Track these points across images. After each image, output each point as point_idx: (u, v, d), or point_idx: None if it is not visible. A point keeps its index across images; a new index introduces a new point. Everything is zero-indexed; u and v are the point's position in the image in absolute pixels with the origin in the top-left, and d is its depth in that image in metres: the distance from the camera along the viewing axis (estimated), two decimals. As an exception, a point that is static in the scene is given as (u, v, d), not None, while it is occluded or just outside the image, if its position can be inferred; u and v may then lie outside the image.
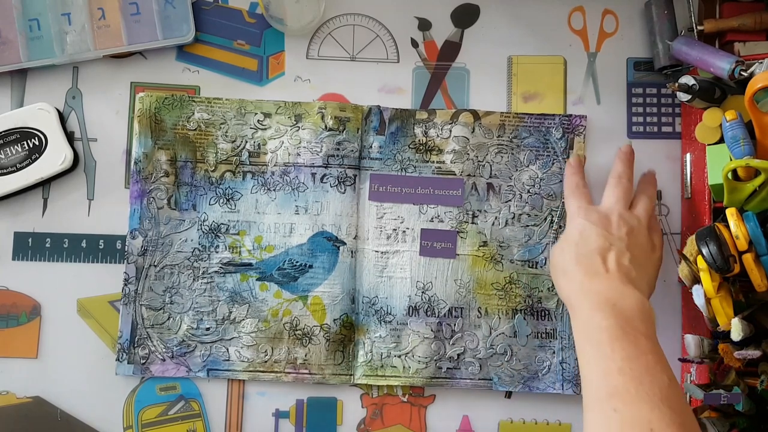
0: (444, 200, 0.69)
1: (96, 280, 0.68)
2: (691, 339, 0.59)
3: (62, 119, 0.69)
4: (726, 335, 0.57)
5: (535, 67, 0.72)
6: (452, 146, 0.69)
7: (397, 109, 0.70)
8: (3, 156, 0.67)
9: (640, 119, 0.71)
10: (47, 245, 0.69)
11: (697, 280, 0.59)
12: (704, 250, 0.56)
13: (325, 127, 0.69)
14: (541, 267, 0.68)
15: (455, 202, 0.69)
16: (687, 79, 0.62)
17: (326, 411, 0.68)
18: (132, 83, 0.71)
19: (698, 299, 0.58)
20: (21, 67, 0.69)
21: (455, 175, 0.69)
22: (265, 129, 0.69)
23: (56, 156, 0.67)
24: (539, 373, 0.68)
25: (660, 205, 0.70)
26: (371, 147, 0.69)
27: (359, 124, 0.69)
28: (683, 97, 0.63)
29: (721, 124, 0.59)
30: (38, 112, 0.68)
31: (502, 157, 0.69)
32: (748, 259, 0.55)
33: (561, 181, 0.69)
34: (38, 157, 0.67)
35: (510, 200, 0.69)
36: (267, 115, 0.69)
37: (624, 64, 0.72)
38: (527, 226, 0.69)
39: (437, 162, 0.69)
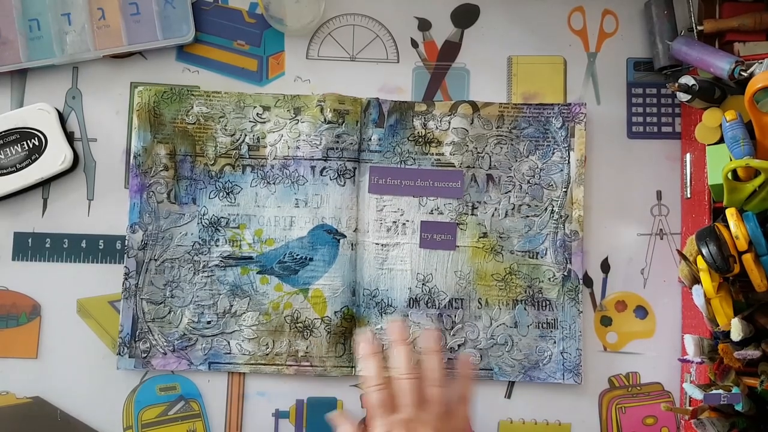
0: (443, 192, 0.69)
1: (96, 280, 0.68)
2: (691, 339, 0.59)
3: (62, 119, 0.69)
4: (726, 335, 0.57)
5: (535, 67, 0.72)
6: (451, 138, 0.69)
7: (396, 101, 0.70)
8: (3, 156, 0.67)
9: (640, 119, 0.71)
10: (47, 245, 0.69)
11: (697, 280, 0.59)
12: (704, 250, 0.56)
13: (324, 119, 0.69)
14: (542, 257, 0.69)
15: (455, 194, 0.69)
16: (687, 79, 0.62)
17: (326, 411, 0.68)
18: (132, 83, 0.71)
19: (698, 299, 0.58)
20: (21, 67, 0.69)
21: (454, 166, 0.69)
22: (264, 122, 0.69)
23: (56, 156, 0.67)
24: (540, 362, 0.68)
25: (660, 205, 0.70)
26: (370, 139, 0.69)
27: (358, 116, 0.69)
28: (683, 97, 0.63)
29: (721, 124, 0.59)
30: (38, 112, 0.68)
31: (501, 148, 0.69)
32: (748, 259, 0.55)
33: (561, 170, 0.69)
34: (38, 157, 0.67)
35: (510, 191, 0.69)
36: (266, 109, 0.69)
37: (624, 64, 0.72)
38: (527, 216, 0.69)
39: (436, 154, 0.69)
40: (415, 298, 0.68)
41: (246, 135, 0.69)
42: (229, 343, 0.67)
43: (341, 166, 0.69)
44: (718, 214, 0.61)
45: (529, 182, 0.69)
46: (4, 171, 0.67)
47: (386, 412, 0.57)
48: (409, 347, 0.60)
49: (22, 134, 0.68)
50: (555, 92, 0.71)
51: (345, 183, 0.69)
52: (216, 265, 0.68)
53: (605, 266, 0.70)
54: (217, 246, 0.68)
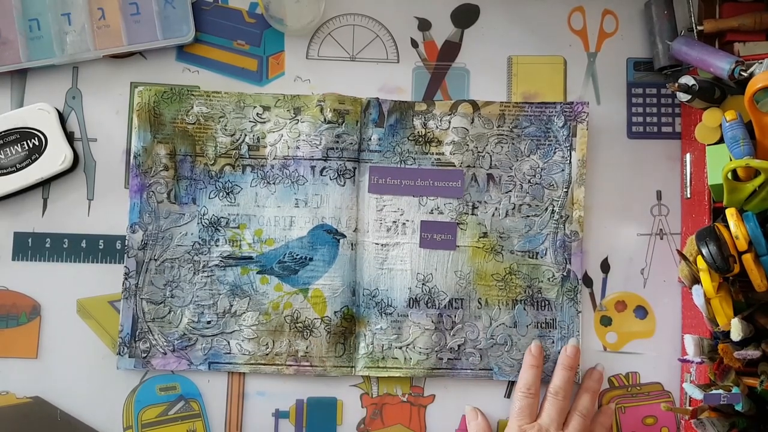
0: (444, 192, 0.69)
1: (96, 280, 0.68)
2: (691, 339, 0.59)
3: (62, 119, 0.69)
4: (726, 335, 0.57)
5: (535, 67, 0.72)
6: (451, 137, 0.69)
7: (396, 101, 0.70)
8: (3, 156, 0.67)
9: (640, 119, 0.71)
10: (47, 245, 0.69)
11: (697, 280, 0.59)
12: (704, 250, 0.56)
13: (324, 119, 0.69)
14: (542, 257, 0.69)
15: (455, 194, 0.69)
16: (687, 79, 0.62)
17: (326, 411, 0.68)
18: (132, 83, 0.71)
19: (698, 299, 0.58)
20: (21, 67, 0.69)
21: (455, 166, 0.69)
22: (264, 122, 0.69)
23: (56, 156, 0.68)
24: None
25: (660, 205, 0.70)
26: (370, 139, 0.69)
27: (358, 116, 0.69)
28: (683, 97, 0.63)
29: (721, 124, 0.59)
30: (38, 112, 0.68)
31: (502, 147, 0.69)
32: (748, 259, 0.55)
33: (563, 170, 0.69)
34: (38, 157, 0.67)
35: (510, 191, 0.69)
36: (266, 109, 0.69)
37: (624, 64, 0.72)
38: (528, 216, 0.69)
39: (437, 153, 0.69)
40: (415, 298, 0.68)
41: (246, 135, 0.69)
42: (229, 343, 0.67)
43: (341, 166, 0.69)
44: (718, 214, 0.61)
45: (529, 182, 0.69)
46: (4, 171, 0.67)
47: (524, 419, 0.64)
48: (572, 374, 0.66)
49: (22, 134, 0.68)
50: (555, 92, 0.71)
51: (345, 183, 0.69)
52: (216, 265, 0.68)
53: (605, 266, 0.70)
54: (217, 246, 0.68)
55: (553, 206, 0.69)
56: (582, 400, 0.66)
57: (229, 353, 0.67)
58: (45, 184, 0.69)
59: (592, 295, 0.70)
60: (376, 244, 0.69)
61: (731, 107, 0.60)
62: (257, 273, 0.68)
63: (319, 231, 0.68)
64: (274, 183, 0.69)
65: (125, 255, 0.68)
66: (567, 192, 0.69)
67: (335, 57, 0.72)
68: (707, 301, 0.57)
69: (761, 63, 0.60)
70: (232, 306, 0.68)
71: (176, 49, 0.71)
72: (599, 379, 0.68)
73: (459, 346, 0.68)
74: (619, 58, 0.72)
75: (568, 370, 0.66)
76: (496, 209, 0.69)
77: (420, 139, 0.69)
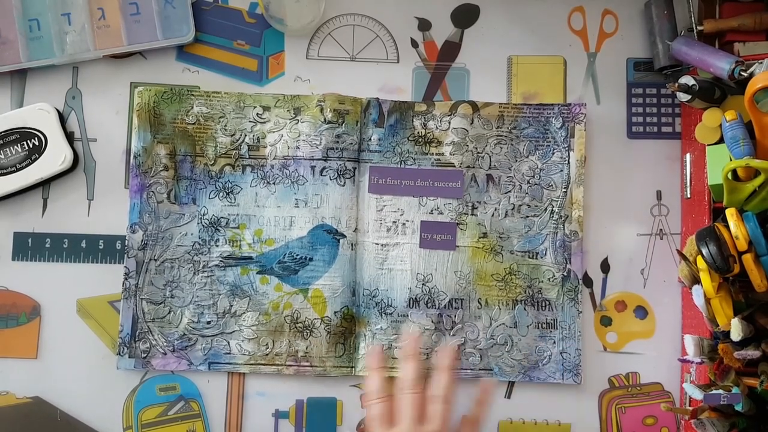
0: (443, 192, 0.69)
1: (96, 281, 0.68)
2: (691, 339, 0.59)
3: (62, 119, 0.69)
4: (726, 335, 0.57)
5: (535, 67, 0.72)
6: (451, 138, 0.69)
7: (396, 101, 0.70)
8: (3, 156, 0.67)
9: (640, 119, 0.71)
10: (47, 245, 0.69)
11: (697, 280, 0.59)
12: (704, 251, 0.56)
13: (324, 119, 0.69)
14: (542, 258, 0.69)
15: (455, 194, 0.69)
16: (687, 79, 0.62)
17: (326, 411, 0.68)
18: (132, 83, 0.71)
19: (698, 299, 0.58)
20: (21, 67, 0.69)
21: (454, 166, 0.69)
22: (264, 122, 0.69)
23: (56, 156, 0.68)
24: (540, 363, 0.68)
25: (660, 205, 0.70)
26: (370, 139, 0.69)
27: (358, 116, 0.69)
28: (683, 97, 0.63)
29: (721, 124, 0.59)
30: (38, 112, 0.68)
31: (501, 148, 0.69)
32: (748, 259, 0.55)
33: (561, 170, 0.69)
34: (38, 157, 0.67)
35: (509, 191, 0.69)
36: (266, 109, 0.69)
37: (624, 64, 0.72)
38: (527, 216, 0.69)
39: (436, 154, 0.69)
40: (415, 298, 0.68)
41: (246, 135, 0.69)
42: (228, 343, 0.67)
43: (341, 166, 0.69)
44: (718, 214, 0.61)
45: (529, 182, 0.69)
46: (4, 171, 0.67)
47: (384, 426, 0.58)
48: (419, 362, 0.61)
49: (22, 134, 0.68)
50: (555, 92, 0.71)
51: (345, 183, 0.69)
52: (216, 265, 0.68)
53: (605, 266, 0.70)
54: (217, 246, 0.68)
55: (553, 206, 0.69)
56: (436, 382, 0.60)
57: (229, 353, 0.67)
58: (45, 184, 0.69)
59: (592, 295, 0.70)
60: (376, 244, 0.69)
61: (731, 107, 0.60)
62: (257, 273, 0.68)
63: (319, 231, 0.68)
64: (274, 183, 0.69)
65: (125, 255, 0.68)
66: (566, 192, 0.69)
67: (335, 57, 0.72)
68: (707, 301, 0.57)
69: (761, 63, 0.60)
70: (232, 306, 0.68)
71: (176, 49, 0.71)
72: (450, 354, 0.62)
73: (459, 346, 0.68)
74: (619, 58, 0.72)
75: (414, 360, 0.60)
76: (495, 209, 0.69)
77: (420, 140, 0.69)
